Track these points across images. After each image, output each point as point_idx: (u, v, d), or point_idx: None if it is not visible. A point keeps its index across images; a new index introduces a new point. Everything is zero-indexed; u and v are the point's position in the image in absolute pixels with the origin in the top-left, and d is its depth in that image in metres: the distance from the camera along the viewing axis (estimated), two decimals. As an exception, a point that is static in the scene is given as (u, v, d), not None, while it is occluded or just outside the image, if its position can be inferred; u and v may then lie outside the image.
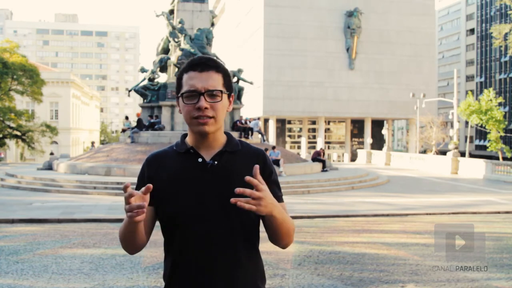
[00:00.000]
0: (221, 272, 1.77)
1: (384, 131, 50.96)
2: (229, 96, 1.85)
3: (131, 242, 1.81)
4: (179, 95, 1.82)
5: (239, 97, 25.45)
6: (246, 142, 1.96)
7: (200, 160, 1.82)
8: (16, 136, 40.29)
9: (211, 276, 1.76)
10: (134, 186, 1.83)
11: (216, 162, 1.82)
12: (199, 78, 1.77)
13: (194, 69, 1.79)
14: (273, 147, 21.78)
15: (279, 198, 1.89)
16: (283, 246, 1.88)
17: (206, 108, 1.76)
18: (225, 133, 1.92)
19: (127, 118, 27.30)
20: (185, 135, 1.92)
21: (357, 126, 55.32)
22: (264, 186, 1.65)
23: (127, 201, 1.61)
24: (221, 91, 1.79)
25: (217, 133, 1.84)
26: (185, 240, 1.78)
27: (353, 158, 50.04)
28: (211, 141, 1.84)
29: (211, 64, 1.80)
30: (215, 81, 1.79)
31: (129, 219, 1.64)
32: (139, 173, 1.91)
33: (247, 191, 1.61)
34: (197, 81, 1.77)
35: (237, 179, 1.79)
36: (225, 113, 1.84)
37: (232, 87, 1.88)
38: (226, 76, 1.84)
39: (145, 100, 25.02)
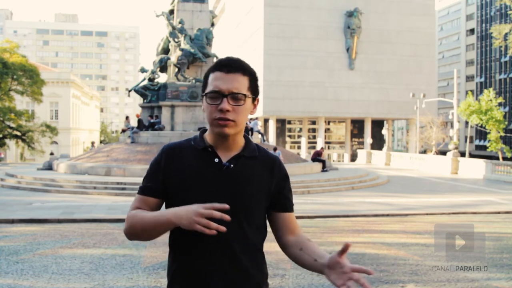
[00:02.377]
0: (226, 272, 1.77)
1: (384, 131, 50.96)
2: (253, 100, 1.83)
3: (148, 237, 1.80)
4: (203, 94, 1.81)
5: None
6: (263, 148, 1.94)
7: (216, 160, 1.81)
8: (16, 136, 40.29)
9: (215, 276, 1.76)
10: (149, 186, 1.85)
11: (232, 165, 1.81)
12: (224, 79, 1.75)
13: (221, 69, 1.77)
14: (275, 149, 21.69)
15: (292, 207, 1.96)
16: None
17: (228, 110, 1.74)
18: (244, 136, 1.90)
19: (127, 118, 27.32)
20: (204, 131, 1.91)
21: (357, 126, 55.32)
22: (347, 266, 1.65)
23: (203, 216, 1.60)
24: (245, 95, 1.76)
25: (237, 135, 1.83)
26: (192, 238, 1.77)
27: (353, 158, 50.04)
28: (230, 143, 1.83)
29: (238, 66, 1.78)
30: (240, 83, 1.76)
31: (189, 225, 1.62)
32: (153, 160, 1.89)
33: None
34: (222, 82, 1.75)
35: (250, 185, 1.82)
36: (247, 117, 1.82)
37: (258, 91, 1.85)
38: (253, 79, 1.81)
39: (145, 100, 25.02)
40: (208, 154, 1.82)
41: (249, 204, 1.81)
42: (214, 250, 1.76)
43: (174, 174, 1.81)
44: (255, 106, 1.86)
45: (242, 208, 1.79)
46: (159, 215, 1.72)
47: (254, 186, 1.82)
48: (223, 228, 1.59)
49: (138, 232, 1.79)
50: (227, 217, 1.60)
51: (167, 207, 1.86)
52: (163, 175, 1.83)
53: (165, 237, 1.90)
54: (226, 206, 1.62)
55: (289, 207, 1.94)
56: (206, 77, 1.81)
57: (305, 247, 1.84)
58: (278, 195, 1.89)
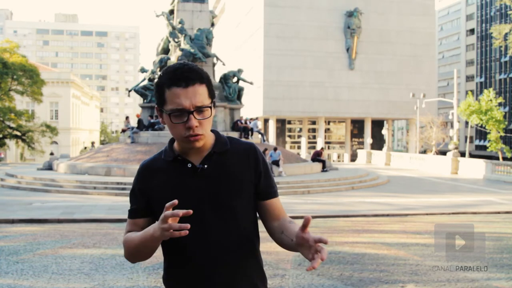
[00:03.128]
0: (220, 274, 1.76)
1: (384, 131, 50.96)
2: (214, 104, 1.78)
3: (144, 256, 1.81)
4: (164, 112, 1.73)
5: (239, 97, 25.45)
6: (236, 138, 1.91)
7: (189, 165, 1.79)
8: (16, 136, 40.29)
9: (210, 279, 1.76)
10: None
11: (206, 166, 1.79)
12: (185, 95, 1.66)
13: (178, 84, 1.67)
14: (275, 149, 21.67)
15: (274, 193, 1.89)
16: None
17: (196, 126, 1.70)
18: (212, 131, 1.86)
19: (127, 118, 27.33)
20: (173, 140, 1.87)
21: (357, 126, 55.31)
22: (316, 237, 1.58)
23: (166, 221, 1.57)
24: (210, 107, 1.72)
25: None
26: (183, 245, 1.77)
27: (353, 158, 50.03)
28: (198, 148, 1.81)
29: (194, 77, 1.68)
30: (202, 95, 1.69)
31: (162, 235, 1.60)
32: (133, 181, 1.89)
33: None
34: (183, 98, 1.66)
35: (229, 181, 1.79)
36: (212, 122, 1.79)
37: (213, 92, 1.79)
38: (209, 83, 1.75)
39: (145, 100, 25.02)
40: (180, 163, 1.80)
41: (233, 200, 1.78)
42: (207, 253, 1.75)
43: (153, 192, 1.81)
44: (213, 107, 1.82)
45: (226, 207, 1.77)
46: (144, 233, 1.71)
47: (233, 181, 1.79)
48: (186, 225, 1.55)
49: (133, 253, 1.80)
50: (186, 225, 1.56)
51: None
52: (143, 196, 1.83)
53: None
54: (190, 211, 1.57)
55: (272, 194, 1.87)
56: (161, 89, 1.71)
57: (285, 229, 1.79)
58: (259, 183, 1.84)
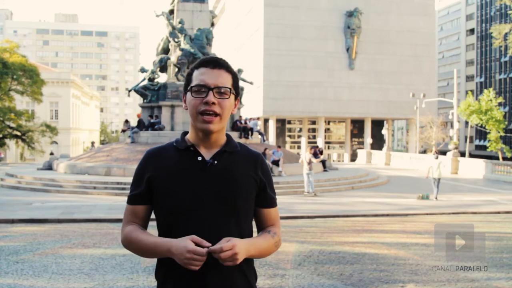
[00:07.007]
0: (216, 270, 1.76)
1: (384, 131, 50.93)
2: (235, 97, 1.87)
3: (146, 257, 1.86)
4: (188, 89, 1.83)
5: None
6: (245, 144, 1.98)
7: (199, 158, 1.82)
8: (16, 136, 40.29)
9: (205, 274, 1.76)
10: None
11: (215, 162, 1.82)
12: (210, 74, 1.80)
13: (206, 65, 1.82)
14: (279, 146, 22.52)
15: (273, 203, 1.95)
16: None
17: (213, 103, 1.77)
18: (226, 134, 1.92)
19: (127, 121, 27.38)
20: (185, 133, 1.92)
21: (357, 126, 55.31)
22: (230, 243, 1.67)
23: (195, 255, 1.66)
24: (230, 89, 1.81)
25: (220, 132, 1.85)
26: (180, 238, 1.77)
27: (353, 158, 50.03)
28: (212, 141, 1.85)
29: (222, 63, 1.83)
30: (225, 79, 1.81)
31: (181, 263, 1.69)
32: (137, 166, 1.90)
33: (217, 251, 1.66)
34: (207, 76, 1.79)
35: (236, 180, 1.82)
36: (229, 113, 1.85)
37: (239, 91, 1.90)
38: (235, 78, 1.86)
39: (145, 100, 25.01)
40: (191, 154, 1.83)
41: (236, 200, 1.81)
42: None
43: (159, 178, 1.82)
44: (236, 105, 1.89)
45: (229, 205, 1.80)
46: (159, 244, 1.75)
47: (240, 181, 1.83)
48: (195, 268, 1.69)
49: (134, 251, 1.85)
50: (204, 255, 1.67)
51: (155, 211, 1.87)
52: (147, 181, 1.84)
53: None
54: (209, 244, 1.68)
55: (272, 204, 1.95)
56: (190, 74, 1.85)
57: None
58: (262, 191, 1.90)
